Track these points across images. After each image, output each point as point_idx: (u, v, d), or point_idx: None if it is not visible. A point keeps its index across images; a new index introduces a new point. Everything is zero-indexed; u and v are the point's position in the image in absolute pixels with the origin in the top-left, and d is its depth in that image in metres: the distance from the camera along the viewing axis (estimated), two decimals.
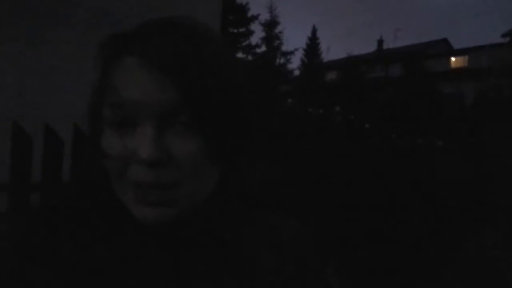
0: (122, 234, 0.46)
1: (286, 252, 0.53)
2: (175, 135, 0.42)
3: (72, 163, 1.88)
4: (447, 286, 3.60)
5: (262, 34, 19.74)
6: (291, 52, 20.01)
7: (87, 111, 0.47)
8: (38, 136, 1.90)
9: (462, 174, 6.70)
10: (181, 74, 0.41)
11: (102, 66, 0.45)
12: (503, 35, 23.90)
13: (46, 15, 3.10)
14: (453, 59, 26.77)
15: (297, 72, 21.64)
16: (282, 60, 20.01)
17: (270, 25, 19.58)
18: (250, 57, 19.11)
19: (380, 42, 29.97)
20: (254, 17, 18.83)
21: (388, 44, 30.60)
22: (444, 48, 28.89)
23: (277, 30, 19.75)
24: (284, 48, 20.31)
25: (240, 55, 18.54)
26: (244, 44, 19.14)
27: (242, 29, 18.93)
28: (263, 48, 19.65)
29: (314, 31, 22.12)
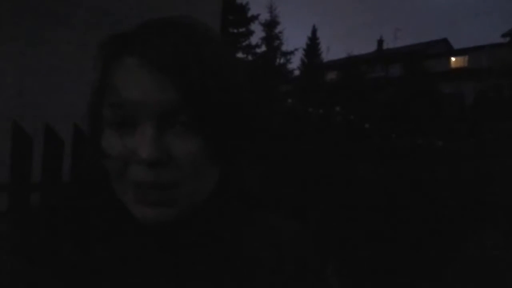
0: (122, 234, 0.46)
1: (286, 252, 0.53)
2: (175, 135, 0.42)
3: (72, 163, 1.88)
4: (447, 286, 3.60)
5: (262, 34, 19.77)
6: (291, 52, 20.02)
7: (87, 111, 0.47)
8: (38, 136, 1.90)
9: (462, 174, 6.70)
10: (181, 74, 0.41)
11: (102, 66, 0.45)
12: (503, 35, 23.90)
13: (46, 15, 3.10)
14: (453, 59, 26.77)
15: (297, 72, 21.66)
16: (282, 60, 20.03)
17: (270, 25, 19.59)
18: (250, 57, 19.11)
19: (380, 42, 29.98)
20: (254, 17, 18.83)
21: (388, 44, 30.61)
22: (444, 48, 28.90)
23: (277, 30, 19.78)
24: (284, 48, 20.35)
25: (240, 55, 18.54)
26: (244, 44, 19.14)
27: (242, 29, 18.93)
28: (263, 48, 19.67)
29: (314, 31, 22.13)
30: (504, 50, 20.84)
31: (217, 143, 0.44)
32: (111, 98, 0.43)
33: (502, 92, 14.15)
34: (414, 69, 15.97)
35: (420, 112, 12.13)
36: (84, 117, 0.48)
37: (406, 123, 11.99)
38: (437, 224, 4.92)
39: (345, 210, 5.01)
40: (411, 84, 14.31)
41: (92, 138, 0.47)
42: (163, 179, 0.42)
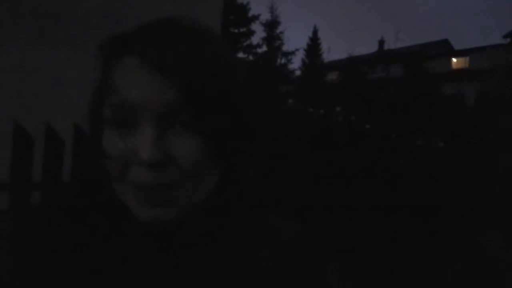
0: (122, 234, 0.46)
1: (286, 252, 0.53)
2: (175, 136, 0.42)
3: (72, 163, 1.89)
4: (447, 286, 3.60)
5: (263, 34, 19.72)
6: (292, 52, 19.99)
7: (87, 111, 0.48)
8: (38, 136, 1.90)
9: (463, 174, 6.69)
10: (181, 74, 0.41)
11: (102, 66, 0.46)
12: (504, 36, 23.87)
13: (46, 15, 3.10)
14: (454, 60, 26.74)
15: (298, 73, 21.63)
16: (283, 60, 20.00)
17: (271, 25, 19.56)
18: (251, 57, 19.09)
19: (381, 42, 29.93)
20: (255, 17, 18.82)
21: (389, 45, 30.56)
22: (445, 49, 28.85)
23: (278, 30, 19.73)
24: (285, 48, 20.25)
25: (241, 55, 18.52)
26: (245, 44, 19.13)
27: (243, 29, 18.91)
28: (264, 48, 19.63)
29: (315, 32, 22.10)
30: (505, 51, 20.83)
31: (217, 143, 0.44)
32: (112, 98, 0.43)
33: (504, 93, 14.14)
34: (415, 69, 15.95)
35: (421, 113, 12.12)
36: (85, 117, 0.48)
37: (407, 123, 11.98)
38: (437, 224, 4.91)
39: (345, 210, 5.01)
40: (412, 85, 14.29)
41: (92, 138, 0.47)
42: (163, 179, 0.42)
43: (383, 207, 5.20)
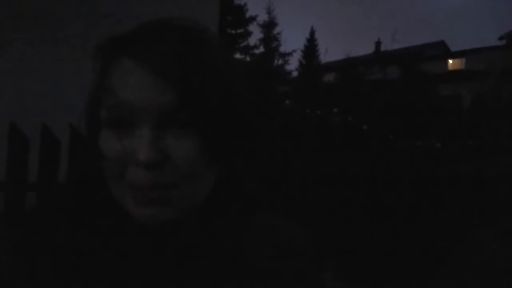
0: (120, 234, 0.46)
1: (285, 252, 0.53)
2: (173, 136, 0.42)
3: (69, 164, 1.88)
4: (447, 286, 3.61)
5: (260, 35, 19.78)
6: (289, 54, 20.05)
7: (84, 112, 0.47)
8: (36, 137, 1.90)
9: (461, 175, 6.73)
10: (178, 75, 0.41)
11: (100, 67, 0.46)
12: (500, 38, 24.03)
13: (46, 15, 3.09)
14: (450, 61, 26.87)
15: (295, 74, 21.68)
16: (280, 61, 20.06)
17: (268, 26, 19.62)
18: (248, 58, 19.12)
19: (378, 44, 30.05)
20: (252, 18, 18.85)
21: (386, 46, 30.68)
22: (442, 50, 28.99)
23: (275, 31, 19.80)
24: (282, 49, 20.36)
25: (238, 56, 18.54)
26: (242, 45, 19.15)
27: (240, 30, 18.93)
28: (261, 49, 19.68)
29: (312, 33, 22.15)
30: (501, 53, 20.95)
31: (215, 144, 0.44)
32: (109, 100, 0.43)
33: (500, 95, 14.22)
34: (411, 71, 16.03)
35: (418, 114, 12.18)
36: (82, 117, 0.48)
37: (404, 125, 12.03)
38: (437, 225, 4.93)
39: (344, 210, 5.02)
40: (409, 86, 14.36)
41: (89, 139, 0.47)
42: (160, 180, 0.42)
43: (381, 207, 5.22)
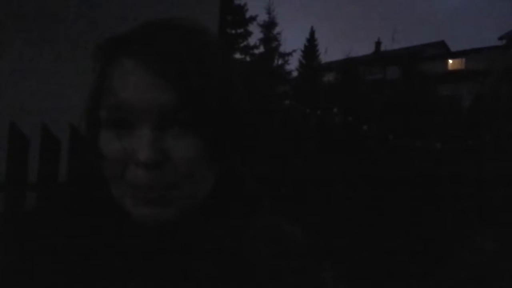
0: (120, 234, 0.46)
1: (285, 252, 0.53)
2: (173, 137, 0.42)
3: (69, 164, 1.88)
4: (447, 286, 3.61)
5: (260, 35, 19.75)
6: (289, 54, 20.02)
7: (84, 112, 0.47)
8: (36, 137, 1.90)
9: (461, 175, 6.72)
10: (178, 75, 0.41)
11: (100, 68, 0.46)
12: (500, 38, 24.02)
13: (46, 15, 3.09)
14: (450, 61, 26.87)
15: (295, 74, 21.67)
16: (280, 61, 20.04)
17: (268, 26, 19.59)
18: (248, 58, 19.10)
19: (378, 43, 30.03)
20: (252, 18, 18.82)
21: (386, 46, 30.67)
22: (442, 50, 28.98)
23: (275, 31, 19.77)
24: (282, 49, 20.28)
25: (238, 56, 18.53)
26: (242, 45, 19.12)
27: (240, 30, 18.91)
28: (261, 49, 19.65)
29: (312, 33, 22.13)
30: (501, 53, 20.95)
31: (215, 144, 0.44)
32: (109, 100, 0.43)
33: (500, 95, 14.22)
34: (411, 71, 16.03)
35: (418, 114, 12.17)
36: (82, 117, 0.48)
37: (404, 125, 12.03)
38: (437, 225, 4.93)
39: (344, 210, 5.02)
40: (409, 86, 14.35)
41: (89, 139, 0.47)
42: (160, 180, 0.42)
43: (381, 207, 5.22)
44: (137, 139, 0.42)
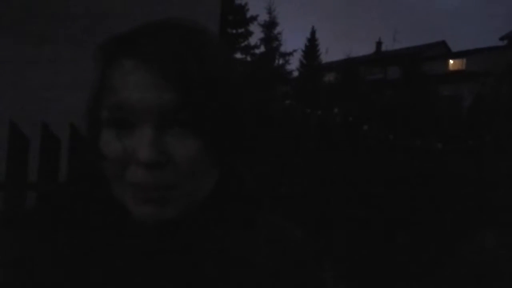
0: (121, 233, 0.46)
1: (285, 253, 0.53)
2: (174, 136, 0.42)
3: (69, 163, 1.88)
4: (447, 286, 3.61)
5: (261, 35, 19.72)
6: (290, 53, 20.00)
7: (85, 112, 0.48)
8: (36, 137, 1.90)
9: (462, 175, 6.72)
10: (179, 75, 0.41)
11: (101, 67, 0.46)
12: (501, 38, 24.02)
13: (46, 15, 3.09)
14: (451, 61, 26.86)
15: (295, 73, 21.65)
16: (280, 61, 20.02)
17: (269, 26, 19.57)
18: (249, 58, 19.09)
19: (379, 44, 30.01)
20: (253, 18, 18.80)
21: (387, 46, 30.63)
22: (442, 50, 28.96)
23: (276, 31, 19.74)
24: (283, 49, 20.26)
25: (238, 55, 18.51)
26: (243, 44, 19.11)
27: (241, 30, 18.90)
28: (262, 49, 19.63)
29: (313, 33, 22.11)
30: (502, 53, 20.95)
31: (216, 144, 0.44)
32: (110, 100, 0.43)
33: (500, 95, 14.21)
34: (412, 71, 16.02)
35: (418, 114, 12.17)
36: (83, 117, 0.48)
37: (404, 125, 12.03)
38: (437, 225, 4.93)
39: (344, 210, 5.02)
40: (410, 87, 14.35)
41: (90, 139, 0.47)
42: (161, 180, 0.42)
43: (381, 207, 5.22)
44: (137, 139, 0.42)
